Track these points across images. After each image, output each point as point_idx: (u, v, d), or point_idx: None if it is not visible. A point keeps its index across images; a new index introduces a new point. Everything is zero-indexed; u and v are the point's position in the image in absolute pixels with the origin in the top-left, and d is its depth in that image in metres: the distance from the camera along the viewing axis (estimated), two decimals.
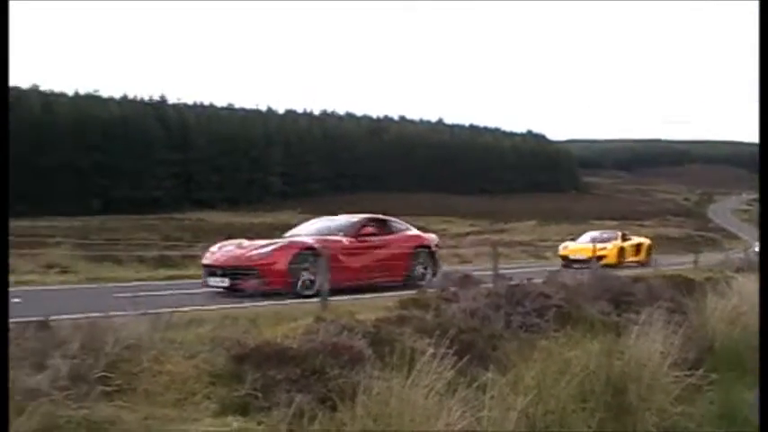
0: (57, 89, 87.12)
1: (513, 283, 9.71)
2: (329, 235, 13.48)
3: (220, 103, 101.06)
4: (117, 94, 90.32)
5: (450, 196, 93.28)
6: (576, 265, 21.02)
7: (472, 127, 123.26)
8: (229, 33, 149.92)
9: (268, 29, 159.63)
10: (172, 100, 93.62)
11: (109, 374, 4.96)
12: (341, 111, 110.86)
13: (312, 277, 11.76)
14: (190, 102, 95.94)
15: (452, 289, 9.73)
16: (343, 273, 12.11)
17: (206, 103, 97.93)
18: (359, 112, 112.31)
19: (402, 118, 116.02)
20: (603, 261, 22.08)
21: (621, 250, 25.04)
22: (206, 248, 13.59)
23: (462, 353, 5.86)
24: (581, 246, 25.00)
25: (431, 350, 5.32)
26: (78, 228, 40.67)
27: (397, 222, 15.18)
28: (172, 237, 30.40)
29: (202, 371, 5.26)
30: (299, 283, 11.84)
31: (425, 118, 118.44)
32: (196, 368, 5.27)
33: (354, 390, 4.77)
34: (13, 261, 14.46)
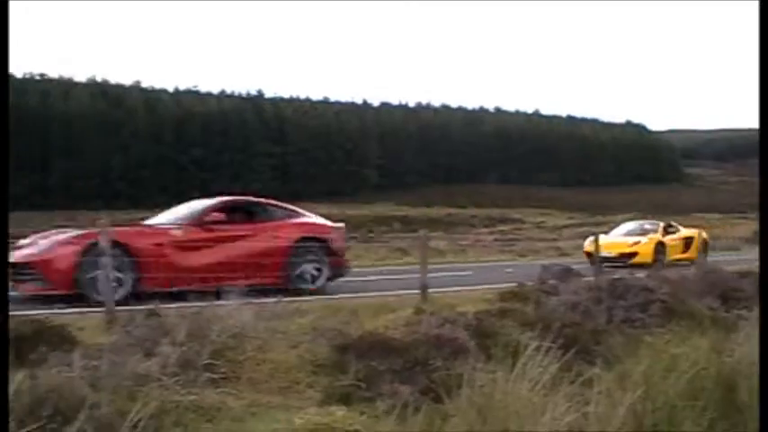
0: (158, 86, 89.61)
1: (615, 276, 9.51)
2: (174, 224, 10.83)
3: (316, 96, 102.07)
4: (215, 90, 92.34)
5: (547, 188, 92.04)
6: (605, 265, 17.94)
7: (570, 118, 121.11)
8: (324, 27, 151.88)
9: (363, 22, 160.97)
10: (269, 94, 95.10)
11: (215, 362, 5.06)
12: (436, 103, 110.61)
13: (120, 277, 8.92)
14: (286, 96, 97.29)
15: (552, 282, 9.60)
16: (171, 272, 9.67)
17: (302, 96, 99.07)
18: (454, 104, 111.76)
19: (498, 109, 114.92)
20: (635, 260, 19.10)
21: (660, 246, 20.30)
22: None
23: (566, 347, 5.75)
24: (609, 241, 19.91)
25: (534, 343, 5.24)
26: None
27: (277, 206, 12.16)
28: None
29: (305, 360, 5.32)
30: (92, 283, 9.00)
31: (522, 109, 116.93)
32: (299, 357, 5.33)
33: (458, 382, 4.73)
34: None
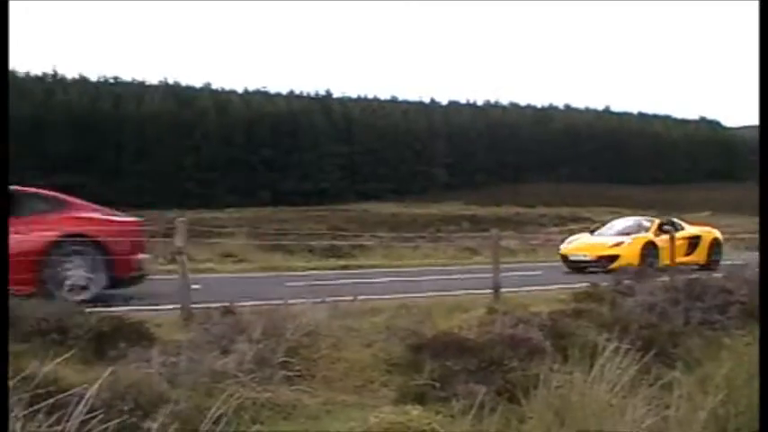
0: (228, 87, 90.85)
1: (691, 276, 9.29)
2: None
3: (384, 95, 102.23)
4: (284, 91, 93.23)
5: (618, 186, 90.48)
6: (581, 268, 16.38)
7: (641, 114, 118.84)
8: (393, 26, 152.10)
9: (431, 21, 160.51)
10: (337, 94, 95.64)
11: (290, 360, 5.10)
12: (505, 101, 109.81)
13: None
14: (354, 95, 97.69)
15: (627, 282, 9.43)
16: None
17: (370, 96, 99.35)
18: (523, 102, 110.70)
19: (567, 106, 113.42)
20: (616, 263, 16.02)
21: (650, 247, 16.88)
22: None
23: (643, 349, 5.63)
24: (587, 242, 17.73)
25: (611, 345, 5.14)
26: (250, 218, 42.27)
27: (41, 196, 10.00)
28: (339, 227, 31.02)
29: (379, 359, 5.32)
30: None
31: (592, 106, 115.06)
32: (373, 356, 5.34)
33: (534, 383, 4.67)
34: (191, 250, 15.21)
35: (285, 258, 19.40)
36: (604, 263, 16.22)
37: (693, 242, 18.11)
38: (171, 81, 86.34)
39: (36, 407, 3.60)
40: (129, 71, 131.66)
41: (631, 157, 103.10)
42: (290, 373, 4.98)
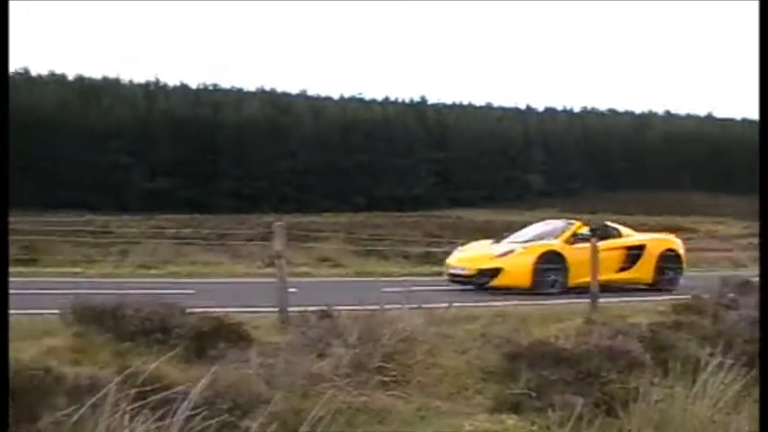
0: (323, 93, 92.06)
1: None
2: None
3: (479, 102, 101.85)
4: (379, 97, 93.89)
5: (721, 195, 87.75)
6: (462, 283, 13.16)
7: (745, 121, 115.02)
8: (488, 33, 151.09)
9: (527, 26, 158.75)
10: (432, 100, 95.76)
11: (385, 365, 5.13)
12: (602, 107, 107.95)
13: None
14: (449, 102, 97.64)
15: (731, 295, 9.12)
16: None
17: (464, 102, 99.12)
18: (621, 108, 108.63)
19: (668, 113, 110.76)
20: (500, 281, 12.78)
21: (550, 259, 13.01)
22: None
23: (748, 365, 5.45)
24: (473, 252, 13.98)
25: (715, 360, 4.99)
26: (345, 223, 42.72)
27: None
28: (433, 234, 31.04)
29: (474, 366, 5.31)
30: None
31: (693, 112, 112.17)
32: (468, 363, 5.33)
33: (632, 396, 4.58)
34: (288, 253, 15.47)
35: (380, 263, 19.50)
36: (484, 278, 12.90)
37: (634, 254, 14.01)
38: (268, 88, 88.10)
39: (141, 402, 3.73)
40: (228, 78, 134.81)
41: (735, 166, 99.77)
42: (386, 379, 5.01)
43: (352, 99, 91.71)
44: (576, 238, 13.45)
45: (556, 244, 13.41)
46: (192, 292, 10.45)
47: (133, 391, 3.89)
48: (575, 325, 6.41)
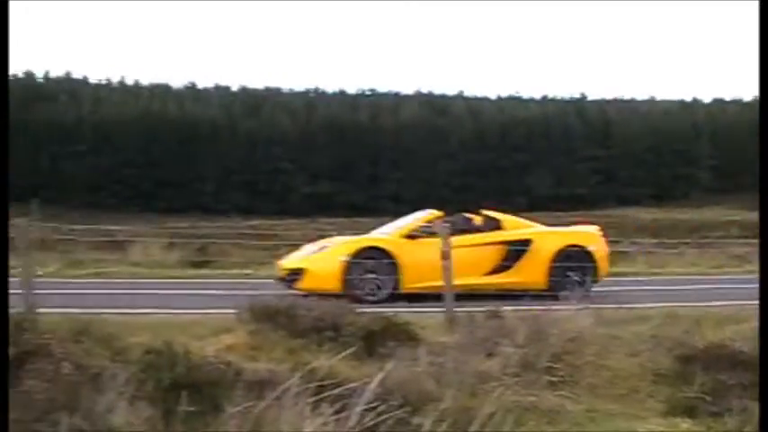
0: (480, 94, 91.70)
1: None
2: None
3: (641, 96, 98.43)
4: (537, 95, 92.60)
5: None
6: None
7: None
8: (651, 24, 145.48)
9: (689, 18, 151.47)
10: (592, 96, 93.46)
11: (554, 365, 5.13)
12: None
13: None
14: (610, 97, 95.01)
15: None
16: None
17: (626, 97, 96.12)
18: None
19: None
20: (301, 283, 10.53)
21: (370, 257, 10.63)
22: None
23: None
24: (300, 253, 11.64)
25: None
26: None
27: None
28: None
29: (646, 369, 5.22)
30: None
31: None
32: (639, 365, 5.24)
33: None
34: None
35: None
36: (289, 281, 10.86)
37: (515, 251, 11.12)
38: (425, 90, 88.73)
39: (321, 396, 3.94)
40: (385, 83, 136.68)
41: None
42: (554, 379, 5.01)
43: (510, 98, 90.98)
44: (412, 233, 11.14)
45: (381, 238, 11.34)
46: None
47: (312, 385, 4.10)
48: (752, 327, 6.14)
